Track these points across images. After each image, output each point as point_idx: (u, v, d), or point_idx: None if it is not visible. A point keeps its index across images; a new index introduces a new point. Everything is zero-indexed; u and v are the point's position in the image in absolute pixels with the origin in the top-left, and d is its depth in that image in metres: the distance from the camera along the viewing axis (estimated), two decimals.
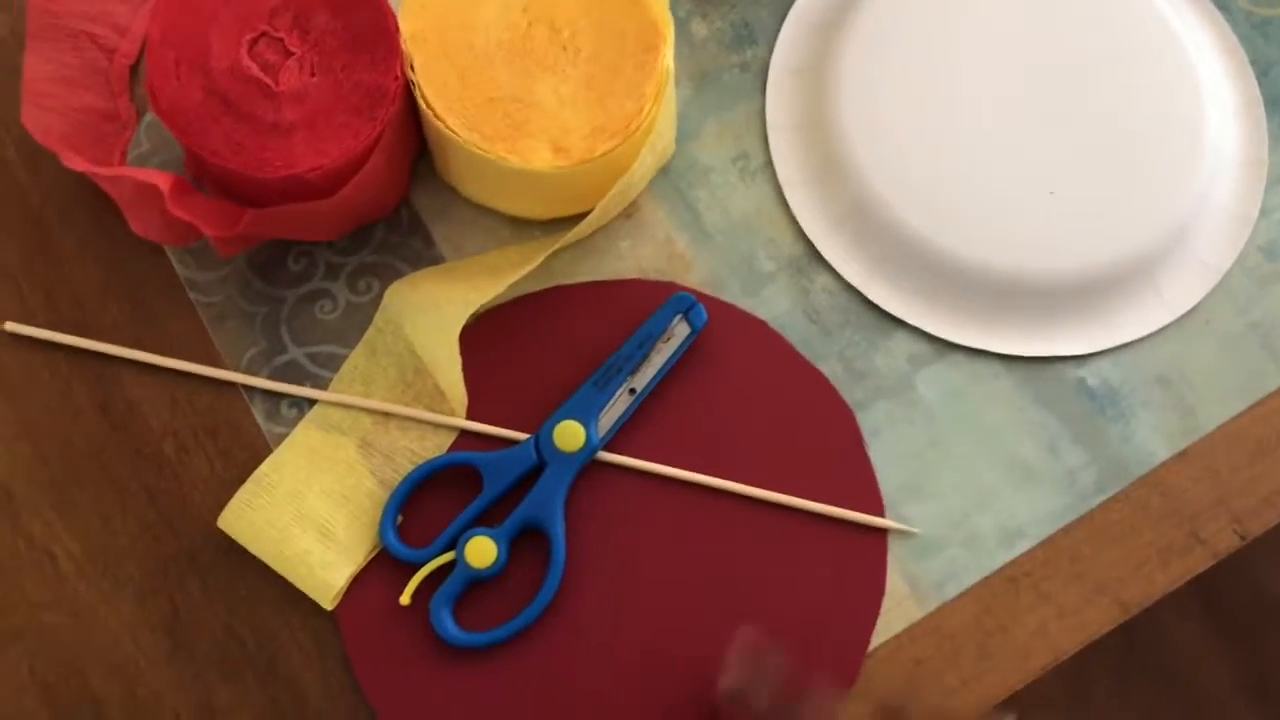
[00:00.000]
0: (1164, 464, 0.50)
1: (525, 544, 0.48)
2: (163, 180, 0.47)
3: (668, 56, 0.48)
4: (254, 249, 0.52)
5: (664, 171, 0.53)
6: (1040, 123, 0.52)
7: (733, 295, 0.52)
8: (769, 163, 0.53)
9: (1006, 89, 0.52)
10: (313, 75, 0.47)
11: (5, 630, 0.47)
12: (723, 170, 0.53)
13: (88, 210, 0.52)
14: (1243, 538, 0.49)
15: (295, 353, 0.50)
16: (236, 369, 0.50)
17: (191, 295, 0.51)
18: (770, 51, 0.55)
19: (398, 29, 0.48)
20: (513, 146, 0.47)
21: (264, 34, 0.48)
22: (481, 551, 0.46)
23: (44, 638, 0.47)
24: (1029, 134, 0.52)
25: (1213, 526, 0.49)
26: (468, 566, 0.46)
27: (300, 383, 0.50)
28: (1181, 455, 0.50)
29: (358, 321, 0.51)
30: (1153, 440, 0.50)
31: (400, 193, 0.51)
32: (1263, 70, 0.55)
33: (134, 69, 0.54)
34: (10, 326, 0.50)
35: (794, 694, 0.43)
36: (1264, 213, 0.53)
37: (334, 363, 0.50)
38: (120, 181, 0.48)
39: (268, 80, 0.47)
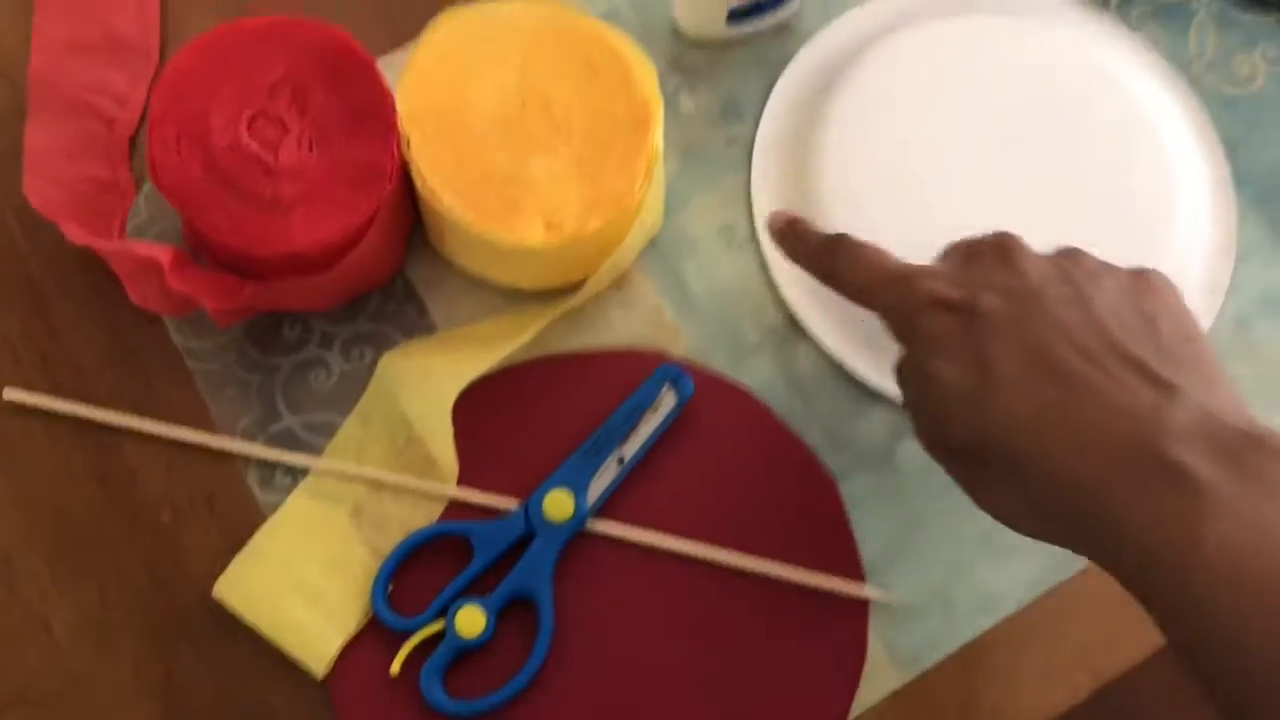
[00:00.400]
0: None
1: (514, 613, 0.49)
2: (163, 254, 0.48)
3: (658, 135, 0.50)
4: (250, 319, 0.53)
5: (653, 243, 0.55)
6: (1016, 200, 0.53)
7: (719, 364, 0.53)
8: (754, 235, 0.55)
9: (983, 167, 0.54)
10: (310, 151, 0.49)
11: (1, 697, 0.48)
12: (709, 242, 0.55)
13: (86, 279, 0.53)
14: None
15: (290, 420, 0.51)
16: (232, 436, 0.51)
17: (189, 363, 0.52)
18: (756, 126, 0.56)
19: (394, 107, 0.49)
20: (507, 223, 0.48)
21: (263, 111, 0.49)
22: (471, 621, 0.47)
23: (39, 705, 0.48)
24: (1005, 211, 0.53)
25: None
26: (457, 636, 0.47)
27: (295, 450, 0.51)
28: None
29: (352, 390, 0.52)
30: None
31: (396, 264, 0.53)
32: (1231, 148, 0.57)
33: (133, 139, 0.55)
34: (9, 394, 0.51)
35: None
36: (1234, 287, 0.55)
37: (328, 431, 0.51)
38: (121, 254, 0.49)
39: (266, 157, 0.48)
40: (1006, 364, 0.38)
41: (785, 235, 0.47)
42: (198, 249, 0.52)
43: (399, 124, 0.49)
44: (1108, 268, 0.41)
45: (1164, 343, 0.38)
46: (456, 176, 0.49)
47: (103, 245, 0.49)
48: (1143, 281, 0.40)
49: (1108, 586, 0.51)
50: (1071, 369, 0.38)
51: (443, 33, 0.50)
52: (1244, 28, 0.58)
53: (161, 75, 0.49)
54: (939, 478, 0.52)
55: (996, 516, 0.41)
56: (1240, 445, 0.35)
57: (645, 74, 0.50)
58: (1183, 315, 0.40)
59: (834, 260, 0.45)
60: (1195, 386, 0.37)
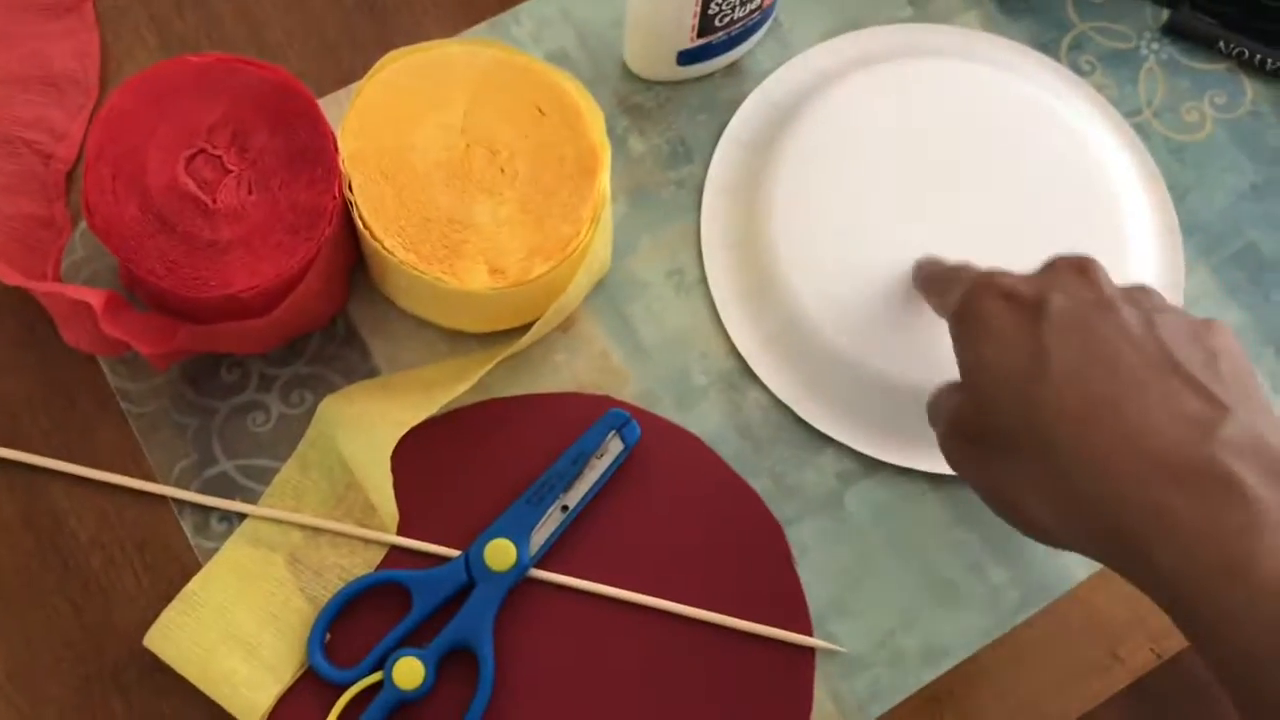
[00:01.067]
0: (1084, 583, 0.51)
1: (454, 663, 0.48)
2: (95, 298, 0.47)
3: (605, 181, 0.49)
4: (187, 359, 0.51)
5: (601, 285, 0.54)
6: (967, 246, 0.53)
7: (666, 409, 0.52)
8: (703, 278, 0.54)
9: (932, 209, 0.54)
10: (250, 193, 0.48)
11: None
12: (658, 285, 0.54)
13: (18, 318, 0.52)
14: (1159, 656, 0.51)
15: (226, 465, 0.50)
16: (168, 481, 0.50)
17: (123, 405, 0.51)
18: (705, 169, 0.56)
19: (336, 149, 0.48)
20: (449, 267, 0.48)
21: (202, 150, 0.48)
22: (409, 672, 0.46)
23: None
24: (953, 254, 0.53)
25: (1130, 645, 0.51)
26: (395, 688, 0.46)
27: (231, 496, 0.50)
28: (1101, 574, 0.51)
29: (290, 434, 0.51)
30: (1074, 559, 0.51)
31: (336, 306, 0.52)
32: (1179, 195, 0.57)
33: (70, 175, 0.54)
34: None
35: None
36: None
37: (265, 476, 0.50)
38: (53, 296, 0.48)
39: (205, 198, 0.47)
40: (1063, 355, 0.39)
41: (923, 276, 0.49)
42: (132, 289, 0.51)
43: (340, 165, 0.48)
44: (1176, 307, 0.41)
45: (1221, 372, 0.39)
46: (399, 219, 0.48)
47: (35, 286, 0.48)
48: (1208, 325, 0.41)
49: (1055, 634, 0.50)
50: (1130, 370, 0.38)
51: (387, 73, 0.50)
52: (1193, 75, 0.59)
53: (98, 113, 0.48)
54: (889, 524, 0.51)
55: (1011, 513, 0.41)
56: None
57: (593, 119, 0.50)
58: (1241, 357, 0.40)
59: (919, 268, 0.48)
60: (1249, 411, 0.38)
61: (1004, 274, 0.42)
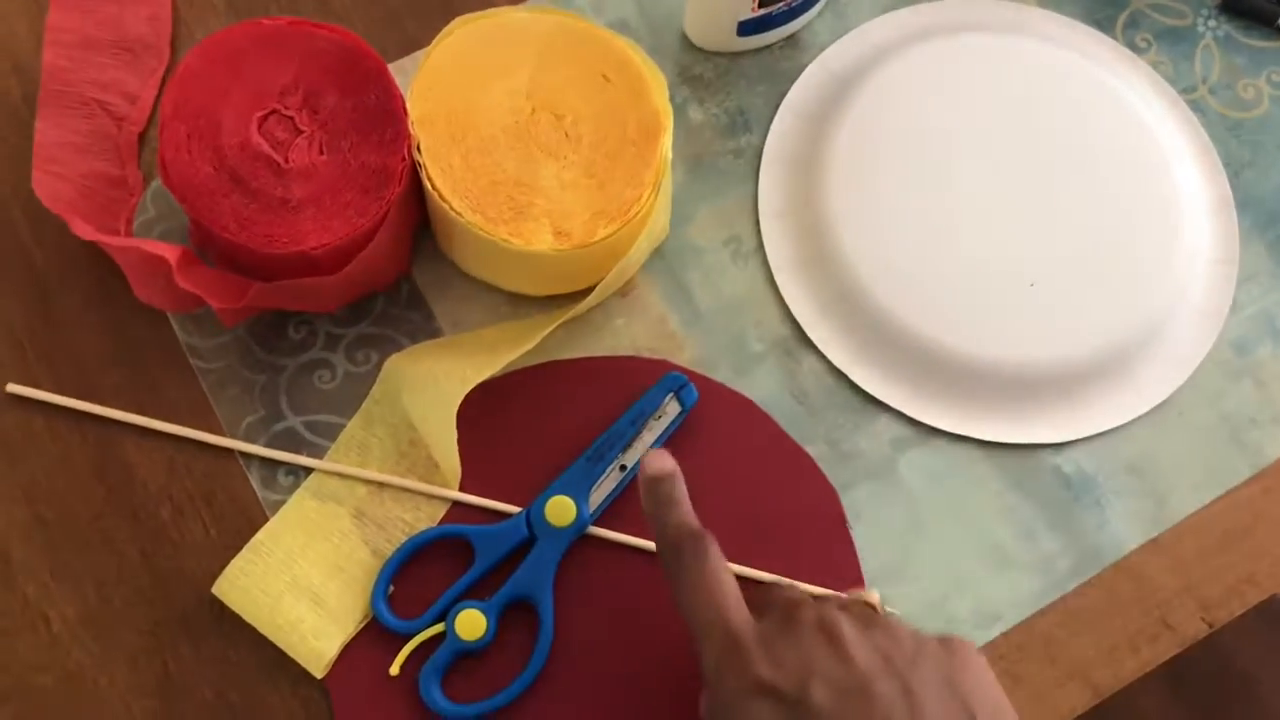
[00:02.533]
0: (1135, 551, 0.52)
1: (514, 617, 0.49)
2: (170, 252, 0.48)
3: (667, 146, 0.50)
4: (255, 317, 0.53)
5: (659, 252, 0.55)
6: (1022, 218, 0.54)
7: (723, 375, 0.53)
8: (760, 247, 0.55)
9: (990, 185, 0.54)
10: (321, 154, 0.49)
11: None
12: (715, 253, 0.55)
13: (91, 275, 0.53)
14: (1210, 625, 0.51)
15: (293, 421, 0.51)
16: (235, 436, 0.51)
17: (192, 361, 0.52)
18: (763, 139, 0.57)
19: (405, 111, 0.49)
20: (515, 229, 0.49)
21: (274, 111, 0.49)
22: (471, 624, 0.47)
23: (34, 700, 0.48)
24: (1011, 228, 0.53)
25: (1181, 614, 0.51)
26: (457, 639, 0.47)
27: (297, 451, 0.51)
28: (1153, 543, 0.52)
29: (355, 392, 0.52)
30: (1125, 528, 0.52)
31: (401, 266, 0.53)
32: (1235, 171, 0.57)
33: (142, 136, 0.55)
34: (12, 388, 0.51)
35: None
36: (1235, 309, 0.55)
37: (331, 432, 0.51)
38: (128, 251, 0.49)
39: (277, 157, 0.48)
40: None
41: (653, 487, 0.45)
42: (204, 247, 0.52)
43: (410, 127, 0.49)
44: (921, 643, 0.41)
45: None
46: (466, 181, 0.49)
47: (111, 242, 0.49)
48: (958, 660, 0.41)
49: (1105, 602, 0.51)
50: None
51: (456, 38, 0.51)
52: (1249, 53, 0.59)
53: (174, 74, 0.49)
54: (942, 490, 0.52)
55: None
56: None
57: (657, 85, 0.50)
58: (991, 687, 0.41)
59: (680, 563, 0.43)
60: None
61: (746, 645, 0.40)
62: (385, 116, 0.49)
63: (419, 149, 0.49)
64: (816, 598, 0.43)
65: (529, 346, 0.50)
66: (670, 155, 0.50)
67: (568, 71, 0.50)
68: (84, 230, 0.50)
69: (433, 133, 0.49)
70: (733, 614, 0.41)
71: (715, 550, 0.43)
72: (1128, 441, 0.53)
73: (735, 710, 0.40)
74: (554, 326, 0.51)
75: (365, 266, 0.49)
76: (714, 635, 0.41)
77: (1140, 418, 0.53)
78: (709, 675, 0.41)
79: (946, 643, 0.41)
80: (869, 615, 0.42)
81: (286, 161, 0.48)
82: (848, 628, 0.41)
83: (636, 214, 0.49)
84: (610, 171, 0.50)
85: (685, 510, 0.44)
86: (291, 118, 0.49)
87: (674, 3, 0.58)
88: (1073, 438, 0.53)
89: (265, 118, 0.49)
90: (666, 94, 0.50)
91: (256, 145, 0.48)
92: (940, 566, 0.51)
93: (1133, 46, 0.59)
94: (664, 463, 0.45)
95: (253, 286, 0.49)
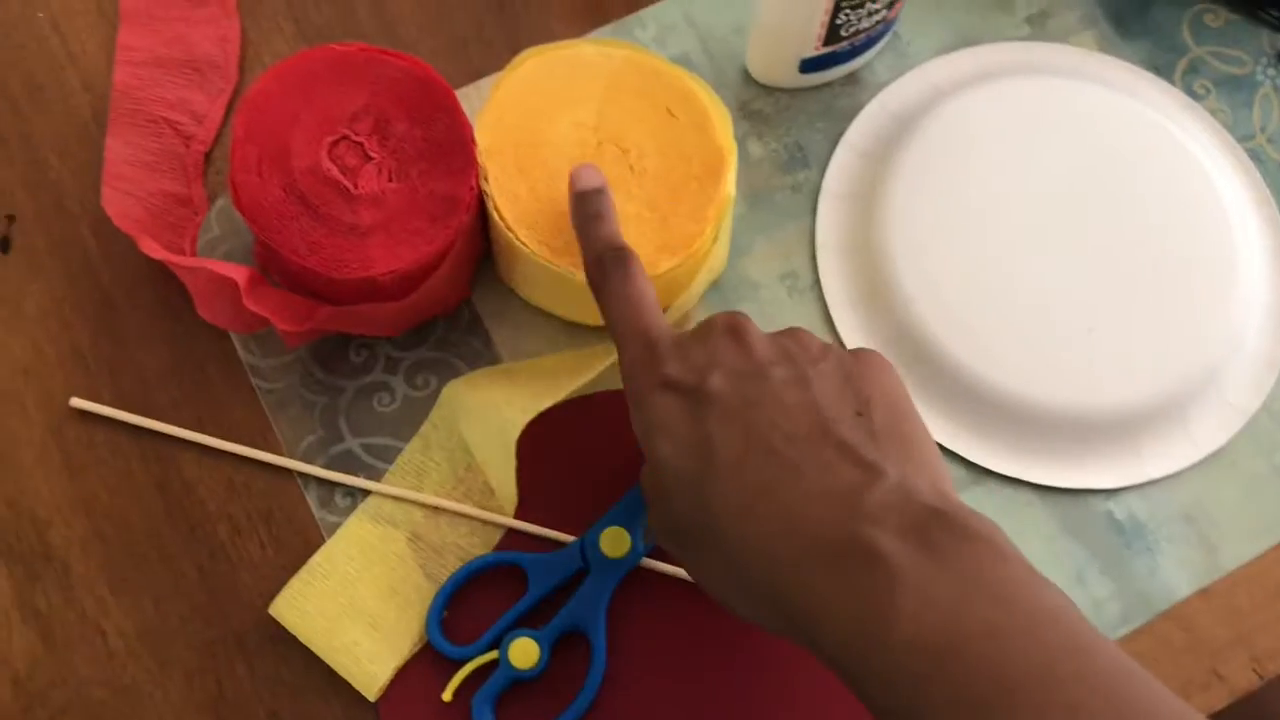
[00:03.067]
0: (1187, 600, 0.52)
1: (567, 646, 0.49)
2: (239, 274, 0.48)
3: (730, 182, 0.50)
4: (317, 340, 0.53)
5: (715, 285, 0.55)
6: (1080, 262, 0.54)
7: None
8: (816, 282, 0.55)
9: (1047, 228, 0.54)
10: (390, 181, 0.49)
11: (52, 704, 0.48)
12: (771, 287, 0.55)
13: (155, 292, 0.54)
14: (1261, 677, 0.51)
15: (351, 443, 0.52)
16: (294, 456, 0.52)
17: (253, 381, 0.53)
18: (821, 175, 0.57)
19: (474, 141, 0.50)
20: (578, 260, 0.49)
21: (344, 137, 0.50)
22: (524, 652, 0.48)
23: (90, 712, 0.48)
24: (1069, 272, 0.54)
25: (1232, 665, 0.51)
26: (510, 667, 0.47)
27: (355, 473, 0.51)
28: (1204, 592, 0.52)
29: (414, 415, 0.52)
30: (1176, 576, 0.52)
31: (463, 293, 0.53)
32: None
33: (208, 156, 0.56)
34: (75, 402, 0.52)
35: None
36: None
37: (388, 455, 0.52)
38: (196, 272, 0.49)
39: (346, 183, 0.49)
40: (727, 445, 0.39)
41: (582, 201, 0.47)
42: (268, 268, 0.53)
43: (477, 157, 0.50)
44: (828, 348, 0.42)
45: (876, 425, 0.40)
46: (531, 211, 0.50)
47: (180, 262, 0.49)
48: (862, 363, 0.41)
49: (1156, 650, 0.51)
50: (785, 448, 0.39)
51: (524, 69, 0.51)
52: None
53: (247, 96, 0.50)
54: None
55: (719, 599, 0.41)
56: (927, 521, 0.36)
57: (721, 121, 0.51)
58: (898, 397, 0.41)
59: (603, 275, 0.45)
60: (900, 466, 0.38)
61: (667, 351, 0.42)
62: (454, 145, 0.50)
63: (486, 178, 0.50)
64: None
65: (590, 376, 0.50)
66: (734, 192, 0.51)
67: (634, 105, 0.51)
68: (152, 249, 0.50)
69: (500, 163, 0.50)
70: (651, 322, 0.44)
71: (638, 264, 0.45)
72: (1181, 489, 0.53)
73: (642, 406, 0.41)
74: (614, 359, 0.52)
75: (429, 293, 0.50)
76: (633, 342, 0.43)
77: (1194, 466, 0.53)
78: (624, 378, 0.43)
79: (856, 351, 0.42)
80: (795, 330, 0.43)
81: (356, 188, 0.49)
82: (755, 328, 0.42)
83: (698, 248, 0.50)
84: (673, 206, 0.50)
85: (611, 226, 0.46)
86: (361, 144, 0.50)
87: (736, 39, 0.59)
88: (1126, 484, 0.53)
89: (335, 143, 0.50)
90: (731, 131, 0.51)
91: (326, 170, 0.49)
92: None
93: (1191, 93, 0.59)
94: (593, 177, 0.48)
95: (319, 310, 0.49)
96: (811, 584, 0.37)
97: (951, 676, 0.34)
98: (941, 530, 0.36)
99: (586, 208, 0.47)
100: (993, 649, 0.34)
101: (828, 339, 0.54)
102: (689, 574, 0.43)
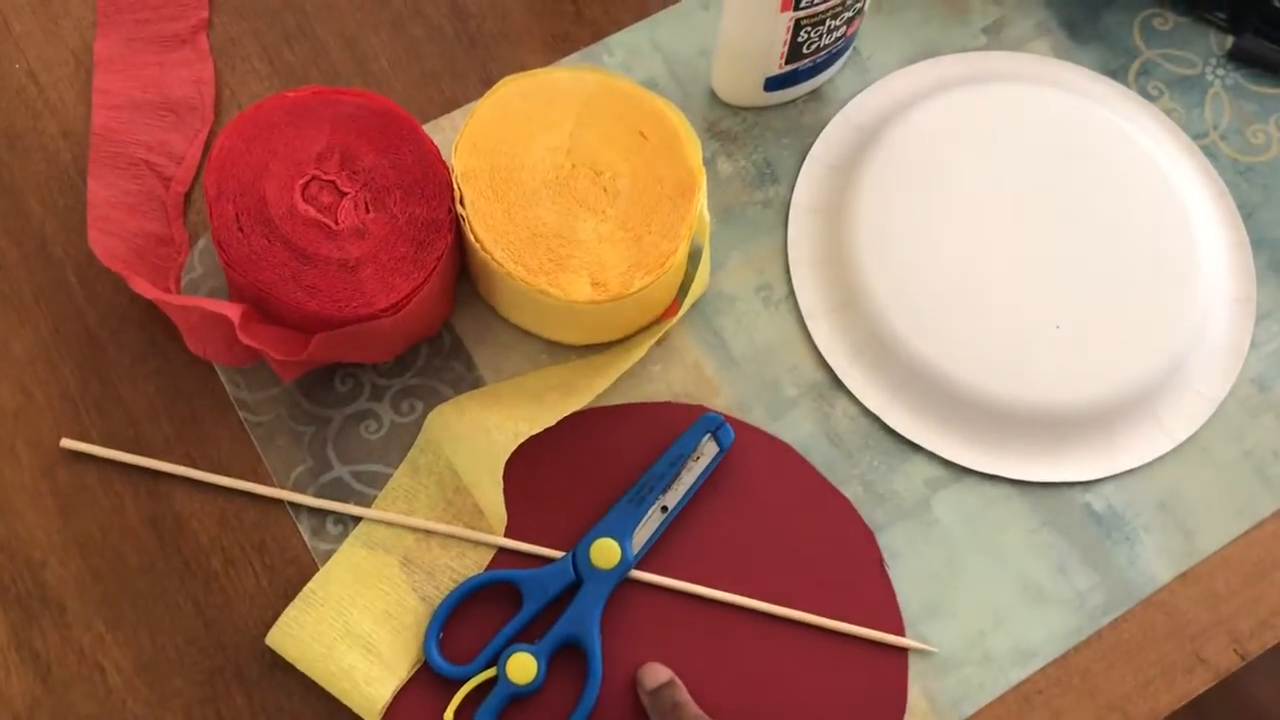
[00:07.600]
0: (1167, 586, 0.53)
1: (563, 659, 0.50)
2: (233, 311, 0.49)
3: (703, 204, 0.52)
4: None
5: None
6: (1045, 262, 0.55)
7: (758, 419, 0.54)
8: (791, 294, 0.57)
9: (1012, 230, 0.56)
10: (368, 211, 0.50)
11: None
12: (747, 300, 0.56)
13: (141, 332, 0.55)
14: (1243, 658, 0.52)
15: (341, 471, 0.53)
16: (284, 486, 0.52)
17: (241, 414, 0.53)
18: (791, 190, 0.58)
19: (443, 164, 0.51)
20: (554, 280, 0.50)
21: (314, 177, 0.51)
22: (522, 668, 0.48)
23: None
24: (1035, 272, 0.55)
25: (1214, 647, 0.52)
26: (509, 683, 0.48)
27: (345, 500, 0.52)
28: (1183, 577, 0.53)
29: (401, 441, 0.53)
30: (1156, 563, 0.53)
31: (446, 314, 0.54)
32: (1248, 213, 0.59)
33: (188, 196, 0.57)
34: (66, 443, 0.52)
35: None
36: (1254, 346, 0.57)
37: (378, 481, 0.52)
38: (190, 310, 0.50)
39: (326, 220, 0.50)
40: None
41: (657, 697, 0.48)
42: (260, 307, 0.53)
43: (454, 181, 0.51)
44: None
45: None
46: (508, 234, 0.51)
47: (173, 300, 0.50)
48: None
49: (1140, 636, 0.52)
50: None
51: (499, 96, 0.52)
52: (1258, 99, 0.61)
53: (211, 155, 0.50)
54: (976, 528, 0.53)
55: None
56: None
57: (691, 144, 0.52)
58: None
59: None
60: None
61: None
62: (424, 171, 0.51)
63: (461, 202, 0.51)
64: None
65: (582, 404, 0.51)
66: (708, 216, 0.52)
67: (607, 129, 0.52)
68: (144, 288, 0.51)
69: (476, 186, 0.51)
70: None
71: None
72: (1156, 478, 0.54)
73: None
74: (608, 384, 0.52)
75: (418, 313, 0.51)
76: None
77: (1167, 455, 0.55)
78: None
79: None
80: None
81: (337, 223, 0.50)
82: None
83: (671, 265, 0.51)
84: (646, 225, 0.51)
85: (695, 709, 0.47)
86: (332, 181, 0.51)
87: (701, 61, 0.60)
88: (1102, 475, 0.54)
89: (307, 184, 0.50)
90: (700, 153, 0.52)
91: (304, 211, 0.50)
92: (977, 604, 0.52)
93: (1145, 94, 0.61)
94: (659, 673, 0.48)
95: (312, 339, 0.50)
96: None
97: None
98: None
99: (663, 700, 0.48)
100: None
101: (804, 349, 0.55)
102: None
